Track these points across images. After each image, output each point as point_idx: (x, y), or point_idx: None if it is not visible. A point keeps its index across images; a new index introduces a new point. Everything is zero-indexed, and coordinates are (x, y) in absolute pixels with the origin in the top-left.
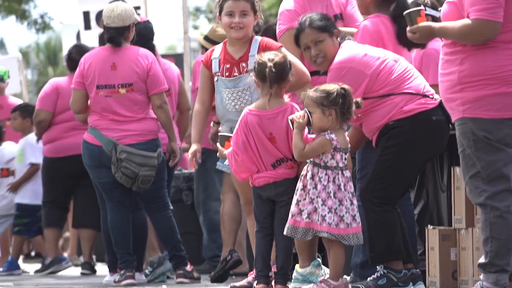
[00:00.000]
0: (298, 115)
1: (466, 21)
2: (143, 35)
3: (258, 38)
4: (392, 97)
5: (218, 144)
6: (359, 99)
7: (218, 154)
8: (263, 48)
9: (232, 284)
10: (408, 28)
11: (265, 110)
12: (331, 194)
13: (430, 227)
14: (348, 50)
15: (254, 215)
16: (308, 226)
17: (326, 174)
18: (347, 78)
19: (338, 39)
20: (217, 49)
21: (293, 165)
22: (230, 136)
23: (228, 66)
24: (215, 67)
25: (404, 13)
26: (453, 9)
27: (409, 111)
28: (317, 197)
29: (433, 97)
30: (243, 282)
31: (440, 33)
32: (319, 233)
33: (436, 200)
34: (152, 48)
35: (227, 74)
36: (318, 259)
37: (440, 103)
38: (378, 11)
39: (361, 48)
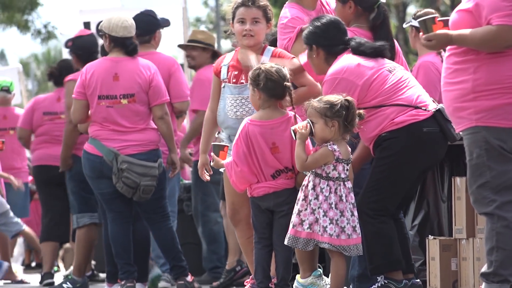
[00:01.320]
0: (301, 125)
1: (488, 27)
2: (87, 48)
3: (271, 48)
4: (384, 108)
5: (212, 154)
6: (361, 111)
7: (213, 164)
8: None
9: None
10: (423, 36)
11: (269, 120)
12: (333, 205)
13: (430, 237)
14: (342, 61)
15: (253, 225)
16: (309, 237)
17: (327, 185)
18: (339, 88)
19: (314, 56)
20: (228, 56)
21: (292, 175)
22: (225, 146)
23: (236, 73)
24: (223, 73)
25: (418, 20)
26: (466, 17)
27: (400, 122)
28: (318, 207)
29: (426, 109)
30: None
31: (458, 41)
32: (320, 244)
33: (437, 211)
34: None
35: (234, 80)
36: (320, 269)
37: (433, 114)
38: (357, 23)
39: (355, 59)
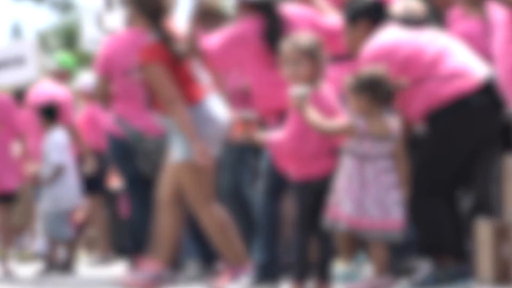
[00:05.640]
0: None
1: None
2: None
3: None
4: (426, 82)
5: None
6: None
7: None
8: None
9: None
10: None
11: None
12: (354, 183)
13: (480, 220)
14: (378, 39)
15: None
16: (335, 215)
17: (352, 161)
18: None
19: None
20: None
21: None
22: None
23: None
24: None
25: None
26: None
27: (443, 96)
28: (342, 185)
29: (469, 78)
30: None
31: None
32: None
33: (487, 192)
34: None
35: None
36: (360, 256)
37: (478, 82)
38: None
39: (391, 34)
